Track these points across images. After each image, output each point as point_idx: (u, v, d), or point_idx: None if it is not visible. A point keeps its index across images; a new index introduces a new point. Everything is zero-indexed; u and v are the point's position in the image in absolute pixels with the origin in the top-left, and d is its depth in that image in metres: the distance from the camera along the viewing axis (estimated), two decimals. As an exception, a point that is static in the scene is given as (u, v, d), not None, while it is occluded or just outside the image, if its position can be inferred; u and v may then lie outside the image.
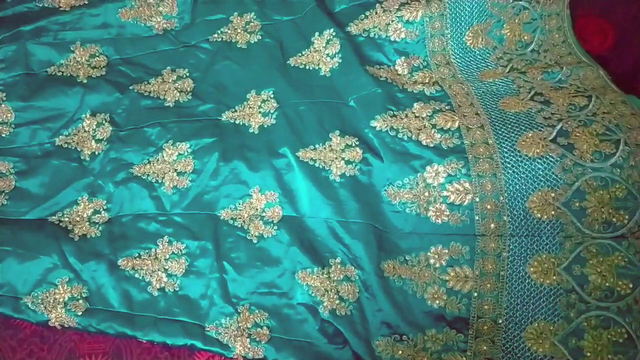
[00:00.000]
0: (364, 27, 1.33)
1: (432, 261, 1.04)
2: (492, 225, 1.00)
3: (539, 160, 0.99)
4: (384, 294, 1.04)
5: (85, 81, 1.32)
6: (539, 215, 0.96)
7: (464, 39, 1.26)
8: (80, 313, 1.09)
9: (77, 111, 1.29)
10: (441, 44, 1.27)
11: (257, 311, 1.07)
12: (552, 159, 0.99)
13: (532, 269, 0.97)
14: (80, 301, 1.10)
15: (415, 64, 1.27)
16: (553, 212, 0.95)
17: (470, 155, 1.05)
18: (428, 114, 1.14)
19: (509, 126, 1.07)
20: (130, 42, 1.37)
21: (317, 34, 1.33)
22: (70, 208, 1.20)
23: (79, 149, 1.26)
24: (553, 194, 0.96)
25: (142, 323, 1.08)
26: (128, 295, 1.11)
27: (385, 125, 1.15)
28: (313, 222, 1.13)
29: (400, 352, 1.02)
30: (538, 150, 1.00)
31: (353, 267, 1.08)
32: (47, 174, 1.23)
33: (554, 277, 0.95)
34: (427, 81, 1.23)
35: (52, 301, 1.10)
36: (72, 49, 1.35)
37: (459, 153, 1.06)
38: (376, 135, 1.15)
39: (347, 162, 1.14)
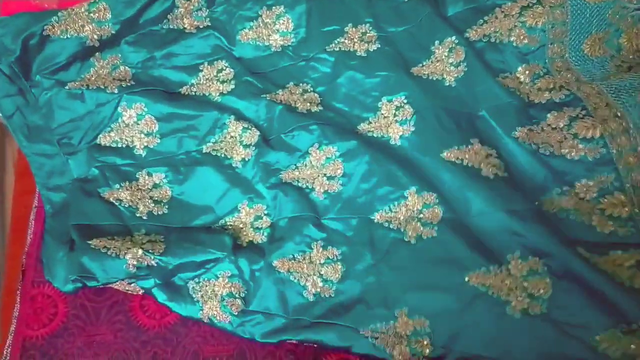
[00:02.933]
0: (484, 32, 1.34)
1: (619, 262, 1.00)
2: None
3: None
4: (592, 274, 0.97)
5: (219, 99, 1.33)
6: None
7: (582, 47, 1.27)
8: (236, 312, 1.11)
9: (220, 117, 1.30)
10: (560, 51, 1.29)
11: (417, 317, 1.05)
12: None
13: None
14: (238, 300, 1.12)
15: (536, 71, 1.28)
16: None
17: (620, 166, 1.07)
18: (565, 122, 1.15)
19: None
20: (251, 61, 1.40)
21: (437, 42, 1.35)
22: (232, 215, 1.22)
23: (228, 156, 1.28)
24: None
25: (296, 326, 1.09)
26: (284, 298, 1.12)
27: (527, 138, 1.17)
28: (477, 220, 1.10)
29: (633, 346, 0.91)
30: None
31: (537, 258, 1.02)
32: (201, 182, 1.25)
33: None
34: (551, 87, 1.24)
35: (209, 292, 1.12)
36: (200, 68, 1.38)
37: (608, 164, 1.09)
38: (519, 146, 1.16)
39: (495, 166, 1.15)
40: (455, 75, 1.30)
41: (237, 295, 1.12)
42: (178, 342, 1.17)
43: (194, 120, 1.30)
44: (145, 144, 1.30)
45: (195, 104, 1.33)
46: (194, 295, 1.12)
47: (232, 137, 1.28)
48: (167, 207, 1.24)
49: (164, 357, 1.16)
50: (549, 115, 1.19)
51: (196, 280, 1.13)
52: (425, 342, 1.02)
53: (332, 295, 1.11)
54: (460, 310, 1.03)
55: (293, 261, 1.15)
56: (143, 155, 1.29)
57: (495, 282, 1.03)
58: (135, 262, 1.10)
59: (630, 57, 1.23)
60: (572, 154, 1.13)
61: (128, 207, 1.23)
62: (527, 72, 1.28)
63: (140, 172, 1.27)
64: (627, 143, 1.09)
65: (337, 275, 1.12)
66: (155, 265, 1.11)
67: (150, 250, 1.12)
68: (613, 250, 1.02)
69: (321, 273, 1.13)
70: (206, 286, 1.13)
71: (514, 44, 1.31)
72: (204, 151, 1.29)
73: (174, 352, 1.16)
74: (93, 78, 1.32)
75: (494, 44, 1.32)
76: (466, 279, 1.05)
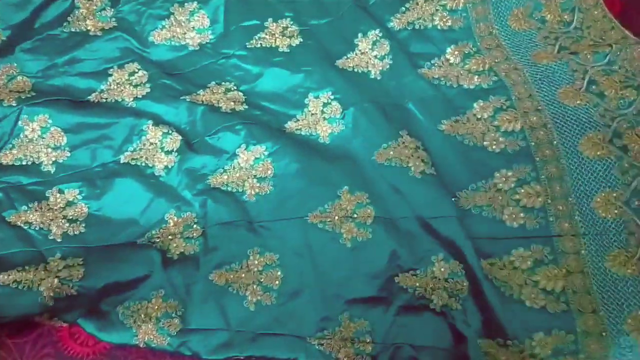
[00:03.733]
0: (408, 20, 1.33)
1: (517, 264, 1.05)
2: (567, 225, 1.06)
3: (599, 162, 1.08)
4: (491, 290, 1.01)
5: (133, 105, 1.24)
6: (603, 214, 1.05)
7: (507, 22, 1.29)
8: (174, 333, 1.04)
9: (137, 124, 1.22)
10: (487, 28, 1.30)
11: (357, 320, 1.04)
12: (611, 161, 1.08)
13: (609, 263, 1.01)
14: (176, 319, 1.05)
15: (466, 51, 1.28)
16: (616, 212, 1.05)
17: (538, 158, 1.12)
18: (489, 114, 1.18)
19: (570, 124, 1.13)
20: (168, 63, 1.32)
21: (360, 35, 1.32)
22: (159, 226, 1.15)
23: (150, 164, 1.20)
24: (615, 194, 1.06)
25: (240, 340, 1.04)
26: (224, 312, 1.06)
27: (452, 130, 1.19)
28: (405, 222, 1.11)
29: (503, 358, 0.98)
30: (599, 152, 1.09)
31: (457, 262, 1.05)
32: (121, 194, 1.17)
33: (634, 267, 0.99)
34: (481, 68, 1.25)
35: (143, 315, 1.04)
36: (109, 72, 1.28)
37: (526, 156, 1.12)
38: (444, 139, 1.18)
39: (423, 161, 1.15)
40: (381, 68, 1.28)
41: (174, 315, 1.05)
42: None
43: (107, 129, 1.21)
44: (54, 158, 1.20)
45: (107, 111, 1.23)
46: (125, 322, 1.04)
47: (151, 144, 1.21)
48: (84, 225, 1.15)
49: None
50: (475, 104, 1.20)
51: (125, 304, 1.05)
52: (368, 341, 1.02)
53: (274, 302, 1.07)
54: (395, 313, 1.04)
55: (230, 272, 1.10)
56: (52, 171, 1.19)
57: (421, 283, 1.06)
58: (52, 294, 1.02)
59: (556, 26, 1.26)
60: (494, 146, 1.15)
61: (39, 229, 1.13)
62: (456, 52, 1.28)
63: (50, 190, 1.17)
64: (545, 136, 1.13)
65: (277, 281, 1.09)
66: (76, 293, 1.03)
67: (67, 278, 1.05)
68: (515, 249, 1.06)
69: (260, 281, 1.09)
70: (138, 309, 1.05)
71: (439, 27, 1.30)
72: (121, 161, 1.20)
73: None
74: None
75: (420, 31, 1.31)
76: (396, 280, 1.07)
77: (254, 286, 1.08)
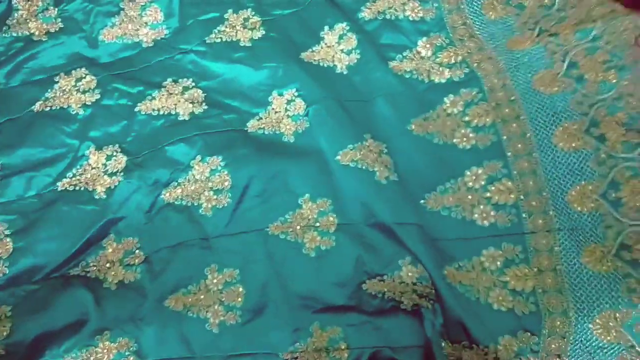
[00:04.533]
0: (378, 10, 1.28)
1: (487, 265, 1.03)
2: (540, 221, 1.03)
3: (574, 154, 1.03)
4: (453, 299, 1.00)
5: (80, 112, 1.20)
6: (579, 208, 1.01)
7: (482, 11, 1.23)
8: None
9: (79, 148, 1.18)
10: (460, 18, 1.25)
11: (329, 327, 1.02)
12: (587, 152, 1.02)
13: (586, 259, 0.98)
14: (131, 357, 1.00)
15: (437, 43, 1.23)
16: (592, 205, 1.00)
17: (509, 153, 1.07)
18: (460, 109, 1.14)
19: (545, 115, 1.08)
20: (121, 61, 1.28)
21: (326, 28, 1.28)
22: (96, 254, 1.10)
23: (90, 189, 1.15)
24: (590, 187, 1.01)
25: None
26: (185, 339, 1.02)
27: (421, 129, 1.15)
28: (369, 228, 1.09)
29: (467, 359, 0.98)
30: (574, 144, 1.04)
31: (423, 267, 1.04)
32: (54, 225, 1.12)
33: (609, 264, 0.95)
34: (453, 61, 1.21)
35: None
36: (56, 80, 1.24)
37: (497, 152, 1.08)
38: (412, 140, 1.14)
39: (387, 167, 1.12)
40: (347, 62, 1.25)
41: (127, 353, 1.00)
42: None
43: (45, 155, 1.17)
44: None
45: (47, 138, 1.18)
46: None
47: (94, 167, 1.16)
48: (7, 263, 1.08)
49: None
50: (445, 99, 1.16)
51: (72, 355, 0.99)
52: (343, 347, 1.01)
53: (239, 321, 1.03)
54: (368, 316, 1.03)
55: (188, 295, 1.06)
56: None
57: (389, 287, 1.05)
58: None
59: (536, 11, 1.19)
60: (464, 143, 1.11)
61: None
62: (427, 45, 1.23)
63: None
64: (517, 129, 1.09)
65: (239, 298, 1.05)
66: (4, 352, 0.98)
67: None
68: (486, 249, 1.04)
69: (222, 300, 1.05)
70: (89, 357, 0.99)
71: (410, 19, 1.26)
72: (59, 189, 1.15)
73: None
74: None
75: (390, 21, 1.27)
76: (364, 287, 1.06)
77: (216, 306, 1.04)
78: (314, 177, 1.14)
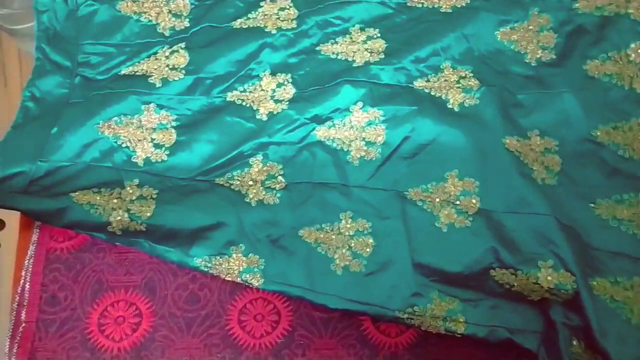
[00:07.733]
0: (597, 4, 1.15)
1: None
2: None
3: None
4: (597, 312, 0.91)
5: (274, 32, 1.22)
6: None
7: None
8: (257, 285, 1.04)
9: (256, 68, 1.20)
10: None
11: (447, 299, 1.01)
12: None
13: None
14: (258, 273, 1.04)
15: None
16: None
17: None
18: None
19: None
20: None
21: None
22: (242, 170, 1.11)
23: (254, 107, 1.16)
24: None
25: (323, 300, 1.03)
26: (310, 271, 1.04)
27: (607, 138, 1.06)
28: (515, 219, 1.00)
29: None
30: None
31: (569, 274, 0.93)
32: (215, 130, 1.14)
33: None
34: None
35: (225, 270, 1.04)
36: (261, 4, 1.26)
37: None
38: (594, 147, 1.06)
39: (547, 169, 1.05)
40: (539, 56, 1.16)
41: (256, 270, 1.04)
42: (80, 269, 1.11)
43: (225, 66, 1.21)
44: (165, 75, 1.19)
45: (232, 52, 1.21)
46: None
47: (263, 90, 1.18)
48: (168, 152, 1.12)
49: (63, 283, 1.11)
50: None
51: (205, 259, 1.05)
52: (461, 320, 0.99)
53: (363, 270, 1.03)
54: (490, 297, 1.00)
55: (321, 231, 1.06)
56: (158, 86, 1.17)
57: (520, 284, 0.97)
58: (120, 227, 1.03)
59: None
60: None
61: (125, 147, 1.11)
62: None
63: (147, 106, 1.16)
64: None
65: (367, 249, 1.04)
66: (145, 230, 1.04)
67: (137, 214, 1.03)
68: None
69: (351, 246, 1.05)
70: (220, 264, 1.04)
71: (632, 17, 1.12)
72: (227, 99, 1.17)
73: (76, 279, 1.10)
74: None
75: (608, 18, 1.13)
76: (492, 273, 0.98)
77: (344, 250, 1.04)
78: (467, 155, 1.06)
